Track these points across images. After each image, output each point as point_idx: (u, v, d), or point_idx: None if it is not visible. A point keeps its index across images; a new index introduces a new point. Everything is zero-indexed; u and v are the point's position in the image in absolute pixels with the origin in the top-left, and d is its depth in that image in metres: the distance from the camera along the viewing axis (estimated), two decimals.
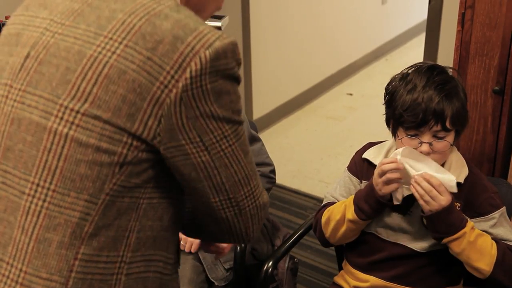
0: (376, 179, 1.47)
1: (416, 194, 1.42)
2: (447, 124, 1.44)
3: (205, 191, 0.93)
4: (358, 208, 1.52)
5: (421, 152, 1.44)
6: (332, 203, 1.64)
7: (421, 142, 1.44)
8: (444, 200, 1.40)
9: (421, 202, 1.42)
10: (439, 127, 1.43)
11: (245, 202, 0.95)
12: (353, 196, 1.56)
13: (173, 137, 0.87)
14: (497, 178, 1.80)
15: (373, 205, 1.49)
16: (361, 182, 1.62)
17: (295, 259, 1.93)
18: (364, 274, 1.61)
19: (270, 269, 1.66)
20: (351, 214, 1.53)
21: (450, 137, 1.47)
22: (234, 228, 0.98)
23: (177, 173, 0.92)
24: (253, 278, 1.84)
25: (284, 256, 1.83)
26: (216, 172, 0.91)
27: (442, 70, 1.51)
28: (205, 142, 0.88)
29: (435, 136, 1.45)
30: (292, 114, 4.01)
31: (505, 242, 1.49)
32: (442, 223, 1.42)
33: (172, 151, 0.88)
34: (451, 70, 1.57)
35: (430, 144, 1.44)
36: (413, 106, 1.43)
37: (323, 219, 1.62)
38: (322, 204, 1.68)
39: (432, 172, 1.41)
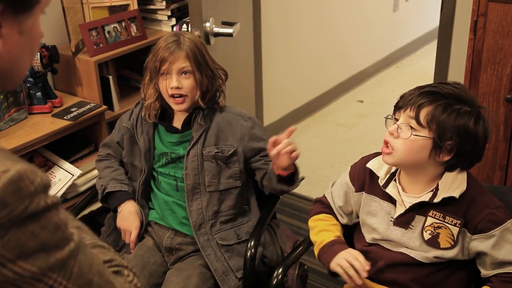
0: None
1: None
2: (421, 117, 1.44)
3: None
4: (320, 260, 1.62)
5: (387, 130, 1.51)
6: (327, 205, 1.71)
7: (396, 123, 1.49)
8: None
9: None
10: (412, 113, 1.45)
11: None
12: (322, 243, 1.62)
13: None
14: (509, 187, 1.79)
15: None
16: (356, 192, 1.63)
17: (305, 266, 1.92)
18: (372, 283, 1.61)
19: (280, 276, 1.66)
20: (316, 253, 1.64)
21: (420, 132, 1.45)
22: None
23: None
24: (262, 285, 1.83)
25: (294, 263, 1.82)
26: None
27: (465, 100, 1.46)
28: None
29: (409, 124, 1.46)
30: (303, 121, 4.00)
31: (507, 269, 1.46)
32: None
33: None
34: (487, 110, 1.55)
35: (400, 129, 1.47)
36: (404, 94, 1.51)
37: (310, 223, 1.71)
38: (323, 195, 1.73)
39: None
